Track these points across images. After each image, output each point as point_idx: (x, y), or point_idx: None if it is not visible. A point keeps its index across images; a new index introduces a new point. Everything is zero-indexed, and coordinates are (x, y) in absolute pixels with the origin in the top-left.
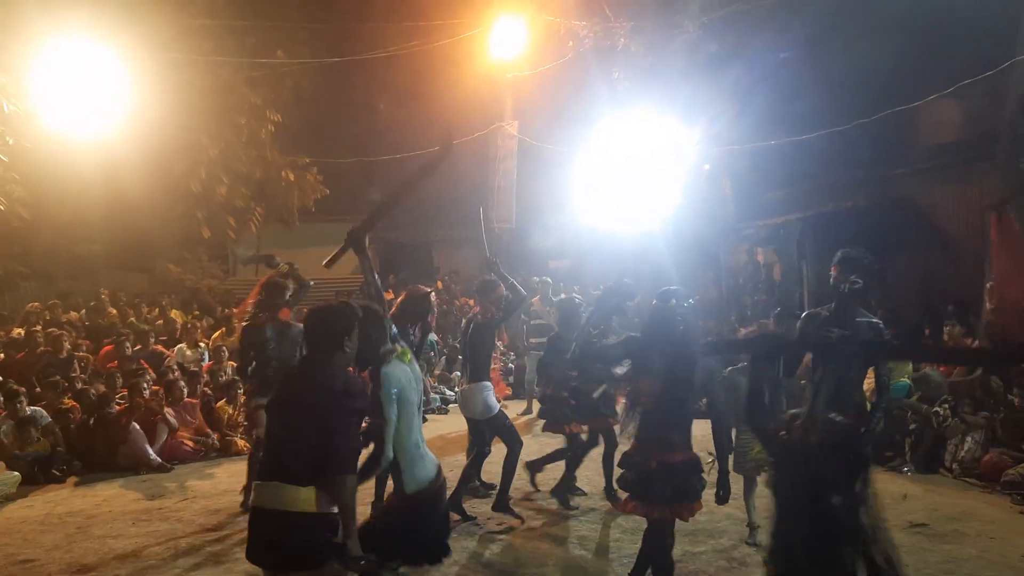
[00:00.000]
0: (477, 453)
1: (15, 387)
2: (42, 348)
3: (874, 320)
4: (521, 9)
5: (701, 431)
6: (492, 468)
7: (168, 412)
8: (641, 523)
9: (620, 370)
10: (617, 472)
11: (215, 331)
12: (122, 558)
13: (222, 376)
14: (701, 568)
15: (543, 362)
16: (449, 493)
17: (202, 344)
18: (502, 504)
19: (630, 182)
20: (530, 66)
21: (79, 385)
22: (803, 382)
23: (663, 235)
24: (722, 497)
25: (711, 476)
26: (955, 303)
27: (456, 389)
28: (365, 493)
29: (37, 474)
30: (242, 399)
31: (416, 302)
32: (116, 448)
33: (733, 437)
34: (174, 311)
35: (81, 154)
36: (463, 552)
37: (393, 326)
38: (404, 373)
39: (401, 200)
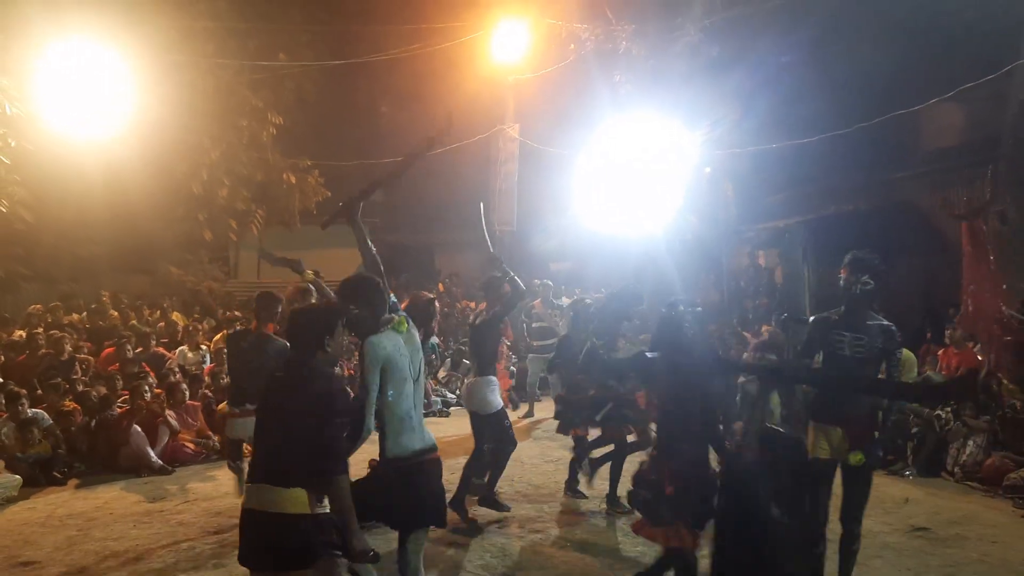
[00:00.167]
0: (475, 452)
1: (16, 389)
2: (44, 350)
3: (885, 323)
4: (523, 12)
5: None
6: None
7: (169, 414)
8: None
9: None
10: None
11: (216, 333)
12: (123, 560)
13: (223, 378)
14: None
15: (553, 363)
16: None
17: (203, 346)
18: (488, 500)
19: (632, 185)
20: (532, 69)
21: (80, 387)
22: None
23: (665, 238)
24: None
25: None
26: (956, 307)
27: (457, 391)
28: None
29: (38, 476)
30: None
31: (420, 308)
32: (117, 450)
33: None
34: (175, 313)
35: (83, 156)
36: (462, 555)
37: (393, 297)
38: (393, 342)
39: (400, 174)
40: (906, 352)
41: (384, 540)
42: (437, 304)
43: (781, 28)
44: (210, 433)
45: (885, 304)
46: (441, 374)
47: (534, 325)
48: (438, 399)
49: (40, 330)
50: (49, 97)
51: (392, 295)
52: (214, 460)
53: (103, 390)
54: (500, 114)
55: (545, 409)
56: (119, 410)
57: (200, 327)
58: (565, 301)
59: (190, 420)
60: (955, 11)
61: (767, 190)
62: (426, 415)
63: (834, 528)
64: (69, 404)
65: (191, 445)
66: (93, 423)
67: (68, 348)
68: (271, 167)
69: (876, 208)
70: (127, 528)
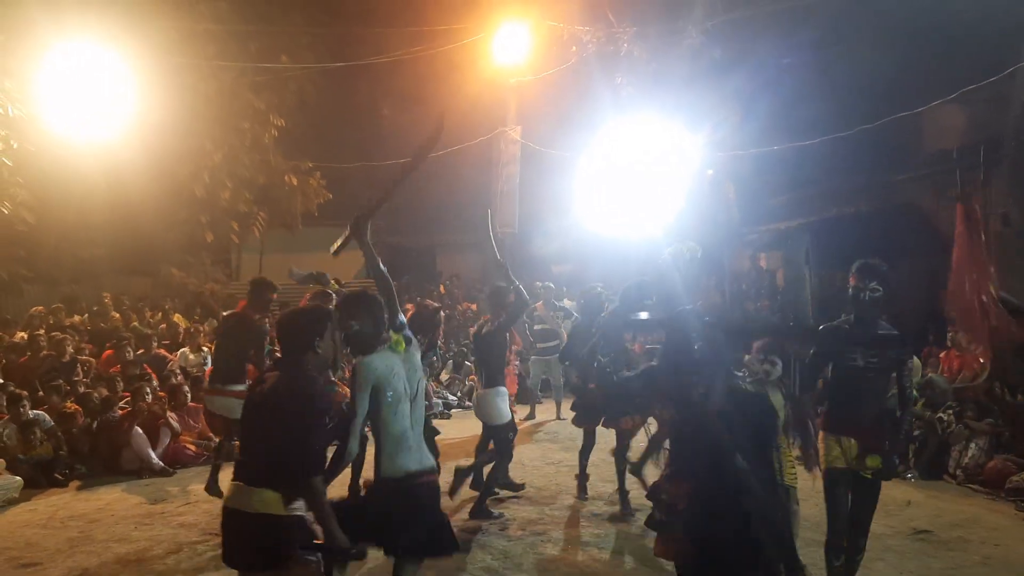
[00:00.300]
0: (493, 456)
1: (18, 391)
2: (45, 352)
3: (897, 332)
4: (524, 14)
5: None
6: (516, 471)
7: (171, 416)
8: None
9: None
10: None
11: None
12: (125, 562)
13: None
14: None
15: (564, 355)
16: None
17: (205, 348)
18: (480, 511)
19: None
20: (533, 71)
21: (82, 389)
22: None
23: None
24: None
25: None
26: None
27: (459, 393)
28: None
29: (40, 478)
30: None
31: (425, 317)
32: (119, 452)
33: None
34: (177, 315)
35: (85, 158)
36: (462, 557)
37: (402, 316)
38: (387, 362)
39: (400, 185)
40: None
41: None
42: (443, 314)
43: (783, 30)
44: (211, 435)
45: (886, 307)
46: (443, 376)
47: (536, 327)
48: (439, 401)
49: (42, 332)
50: (51, 99)
51: (402, 316)
52: None
53: (104, 392)
54: (502, 116)
55: (546, 411)
56: (120, 412)
57: (201, 328)
58: (567, 303)
59: (191, 422)
60: (957, 13)
61: (769, 192)
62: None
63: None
64: (70, 406)
65: (192, 447)
66: (95, 425)
67: (70, 350)
68: (273, 169)
69: (878, 210)
70: (128, 530)
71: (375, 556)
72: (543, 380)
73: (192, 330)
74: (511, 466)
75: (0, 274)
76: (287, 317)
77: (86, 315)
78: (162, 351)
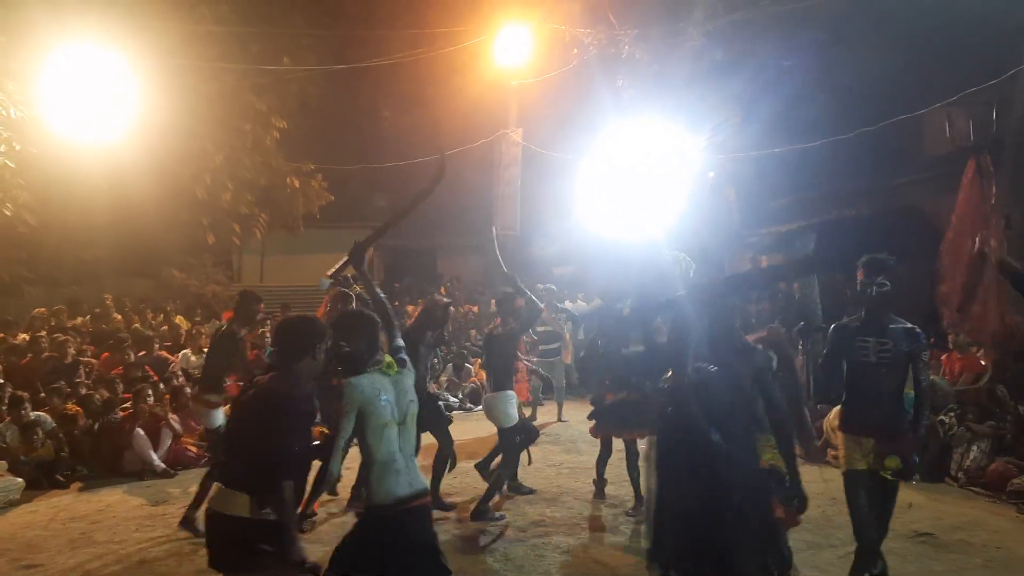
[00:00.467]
0: (500, 463)
1: (19, 393)
2: (47, 354)
3: (908, 325)
4: (526, 17)
5: None
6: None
7: (172, 418)
8: None
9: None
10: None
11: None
12: (126, 564)
13: None
14: None
15: (584, 363)
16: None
17: (206, 350)
18: (480, 513)
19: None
20: (534, 73)
21: (83, 391)
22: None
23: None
24: (799, 506)
25: None
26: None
27: (460, 395)
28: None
29: (41, 479)
30: None
31: (435, 312)
32: (120, 453)
33: None
34: (178, 317)
35: (87, 160)
36: (462, 559)
37: (399, 340)
38: (375, 385)
39: (395, 224)
40: None
41: None
42: (452, 309)
43: (784, 32)
44: None
45: (895, 301)
46: (443, 378)
47: (538, 330)
48: (440, 403)
49: (43, 333)
50: (53, 101)
51: (399, 339)
52: None
53: (106, 394)
54: (503, 118)
55: (547, 413)
56: (122, 413)
57: (203, 330)
58: (568, 305)
59: (193, 423)
60: (958, 15)
61: (770, 195)
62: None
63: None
64: (72, 407)
65: (194, 448)
66: (96, 426)
67: (71, 351)
68: (274, 171)
69: (879, 212)
70: (130, 531)
71: None
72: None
73: (193, 332)
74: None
75: (2, 275)
76: (286, 323)
77: (88, 317)
78: (163, 353)
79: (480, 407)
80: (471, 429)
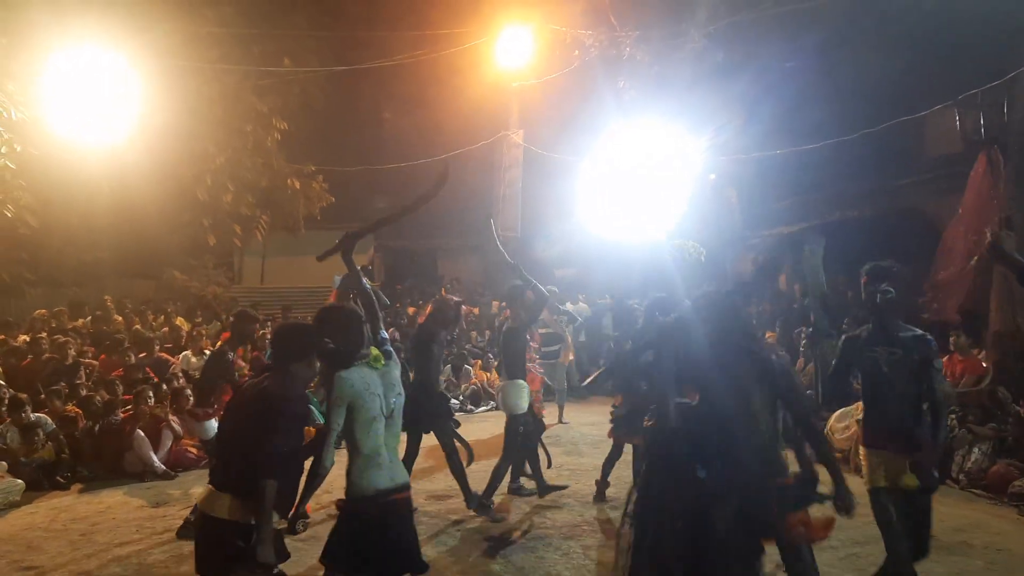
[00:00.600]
0: (522, 448)
1: (19, 396)
2: (48, 355)
3: (919, 332)
4: (527, 19)
5: None
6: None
7: (173, 419)
8: None
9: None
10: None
11: (220, 338)
12: (126, 565)
13: None
14: None
15: (609, 371)
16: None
17: (207, 351)
18: (482, 506)
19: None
20: (536, 75)
21: (84, 392)
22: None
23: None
24: (844, 507)
25: None
26: (962, 313)
27: (460, 397)
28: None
29: (42, 481)
30: None
31: (447, 312)
32: (121, 455)
33: None
34: (179, 318)
35: (88, 161)
36: (459, 563)
37: (384, 332)
38: (364, 378)
39: (393, 222)
40: None
41: None
42: (464, 308)
43: (786, 34)
44: None
45: (901, 307)
46: (441, 379)
47: (539, 331)
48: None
49: (44, 335)
50: (54, 103)
51: (384, 332)
52: None
53: (106, 395)
54: (504, 120)
55: (548, 415)
56: (123, 415)
57: (203, 331)
58: (570, 307)
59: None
60: (960, 17)
61: (772, 196)
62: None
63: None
64: (72, 409)
65: (194, 450)
66: (96, 428)
67: (72, 353)
68: (276, 173)
69: (881, 214)
70: (130, 533)
71: None
72: (545, 385)
73: (194, 333)
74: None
75: (3, 277)
76: (283, 329)
77: (89, 318)
78: (164, 354)
79: (480, 409)
80: (472, 431)
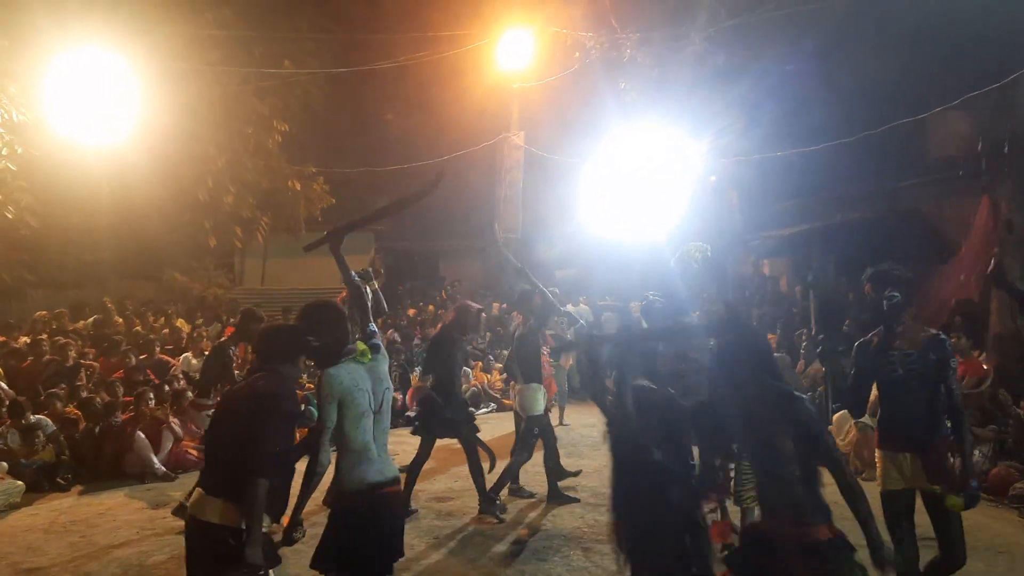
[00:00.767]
0: (516, 453)
1: (19, 399)
2: (48, 357)
3: (932, 332)
4: (528, 20)
5: None
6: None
7: (173, 421)
8: None
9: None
10: None
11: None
12: (126, 567)
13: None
14: None
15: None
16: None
17: (208, 353)
18: (489, 500)
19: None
20: (537, 77)
21: (84, 394)
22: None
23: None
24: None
25: None
26: (962, 315)
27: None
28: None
29: (42, 482)
30: None
31: (468, 318)
32: (121, 457)
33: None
34: (180, 320)
35: (90, 163)
36: (469, 564)
37: (373, 326)
38: (352, 375)
39: (382, 219)
40: None
41: None
42: (484, 315)
43: (787, 37)
44: None
45: (908, 309)
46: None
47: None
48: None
49: (44, 337)
50: (56, 104)
51: (372, 325)
52: None
53: (107, 397)
54: (505, 122)
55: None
56: (123, 417)
57: (204, 333)
58: (571, 309)
59: (194, 427)
60: (961, 19)
61: (772, 198)
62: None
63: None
64: (72, 411)
65: (195, 451)
66: (97, 430)
67: (73, 355)
68: (276, 174)
69: (882, 216)
70: (130, 534)
71: None
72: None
73: (195, 335)
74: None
75: (4, 278)
76: (268, 331)
77: (90, 320)
78: (164, 356)
79: (481, 411)
80: None
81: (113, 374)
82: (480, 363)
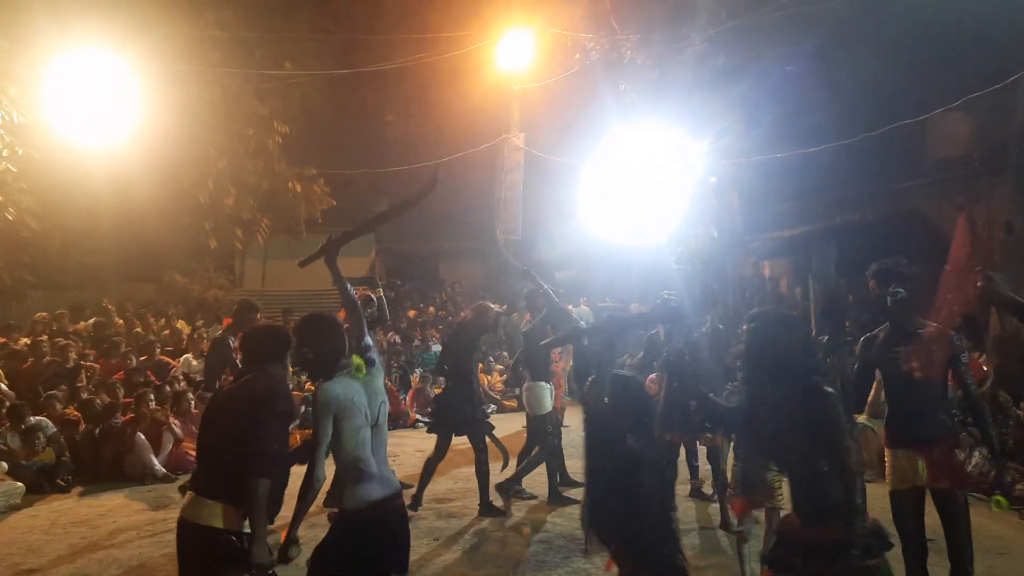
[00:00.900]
0: (538, 450)
1: (18, 403)
2: (48, 358)
3: (939, 328)
4: (528, 22)
5: None
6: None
7: (173, 422)
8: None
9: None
10: None
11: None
12: (126, 569)
13: None
14: None
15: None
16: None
17: (207, 351)
18: (505, 488)
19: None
20: (537, 78)
21: (84, 395)
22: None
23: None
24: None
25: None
26: (963, 316)
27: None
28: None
29: (42, 484)
30: None
31: (487, 319)
32: (122, 458)
33: (730, 461)
34: (180, 321)
35: (90, 164)
36: (466, 566)
37: (368, 339)
38: (346, 389)
39: (378, 227)
40: None
41: None
42: (502, 318)
43: (787, 38)
44: None
45: (914, 304)
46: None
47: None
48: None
49: (45, 338)
50: (56, 105)
51: (368, 338)
52: None
53: (107, 398)
54: (505, 123)
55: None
56: (123, 418)
57: (204, 334)
58: (571, 310)
59: (194, 428)
60: (961, 21)
61: (773, 200)
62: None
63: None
64: (71, 412)
65: (195, 453)
66: (97, 431)
67: (73, 356)
68: (277, 176)
69: (883, 218)
70: (131, 536)
71: None
72: None
73: (195, 336)
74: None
75: (4, 279)
76: (253, 332)
77: (90, 321)
78: (165, 357)
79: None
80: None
81: (113, 375)
82: (480, 364)
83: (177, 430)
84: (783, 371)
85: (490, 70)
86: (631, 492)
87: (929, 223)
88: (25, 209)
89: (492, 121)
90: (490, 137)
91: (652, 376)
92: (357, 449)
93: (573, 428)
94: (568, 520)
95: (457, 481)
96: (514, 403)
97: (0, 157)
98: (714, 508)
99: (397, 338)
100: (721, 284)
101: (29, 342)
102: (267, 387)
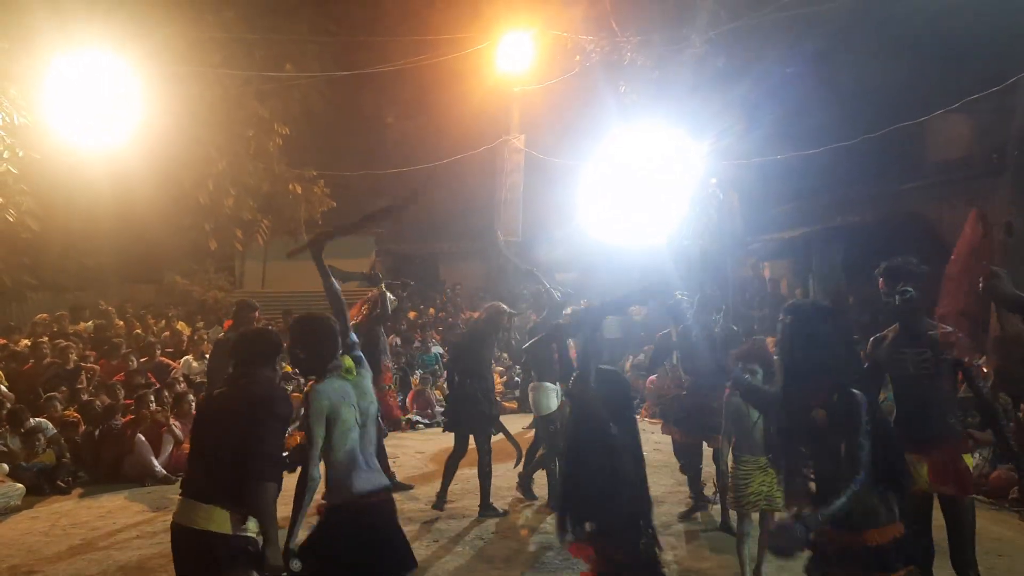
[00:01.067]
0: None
1: (18, 406)
2: (49, 359)
3: (949, 330)
4: (528, 24)
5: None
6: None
7: (174, 424)
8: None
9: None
10: None
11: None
12: (126, 570)
13: None
14: None
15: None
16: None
17: (209, 355)
18: (524, 481)
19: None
20: (537, 80)
21: (84, 397)
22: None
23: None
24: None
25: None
26: (963, 315)
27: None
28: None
29: (42, 485)
30: None
31: (499, 320)
32: (122, 460)
33: (729, 466)
34: (180, 323)
35: (90, 166)
36: (465, 567)
37: (353, 335)
38: (339, 391)
39: (370, 225)
40: None
41: None
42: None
43: (787, 39)
44: None
45: (922, 305)
46: (441, 381)
47: None
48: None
49: (45, 339)
50: (56, 107)
51: (353, 335)
52: None
53: (107, 399)
54: (505, 125)
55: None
56: (124, 419)
57: (204, 335)
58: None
59: None
60: (961, 23)
61: (773, 201)
62: (428, 425)
63: None
64: (72, 414)
65: None
66: (97, 432)
67: (73, 357)
68: (277, 177)
69: (882, 219)
70: (131, 538)
71: None
72: None
73: (195, 337)
74: (510, 472)
75: (5, 281)
76: (246, 335)
77: (91, 323)
78: (165, 359)
79: None
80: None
81: (113, 377)
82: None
83: (177, 431)
84: (821, 366)
85: (490, 72)
86: (611, 475)
87: (929, 224)
88: (26, 211)
89: (492, 123)
90: (490, 139)
91: (652, 377)
92: (346, 448)
93: None
94: None
95: (457, 482)
96: (514, 404)
97: (0, 159)
98: (715, 509)
99: (397, 340)
100: (721, 286)
101: (29, 343)
102: (266, 391)
